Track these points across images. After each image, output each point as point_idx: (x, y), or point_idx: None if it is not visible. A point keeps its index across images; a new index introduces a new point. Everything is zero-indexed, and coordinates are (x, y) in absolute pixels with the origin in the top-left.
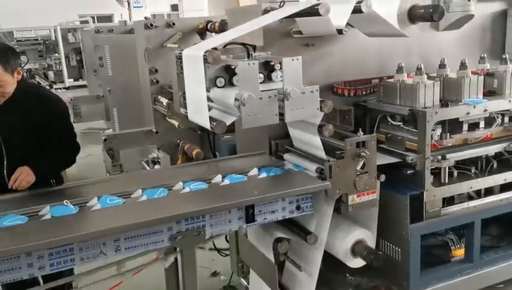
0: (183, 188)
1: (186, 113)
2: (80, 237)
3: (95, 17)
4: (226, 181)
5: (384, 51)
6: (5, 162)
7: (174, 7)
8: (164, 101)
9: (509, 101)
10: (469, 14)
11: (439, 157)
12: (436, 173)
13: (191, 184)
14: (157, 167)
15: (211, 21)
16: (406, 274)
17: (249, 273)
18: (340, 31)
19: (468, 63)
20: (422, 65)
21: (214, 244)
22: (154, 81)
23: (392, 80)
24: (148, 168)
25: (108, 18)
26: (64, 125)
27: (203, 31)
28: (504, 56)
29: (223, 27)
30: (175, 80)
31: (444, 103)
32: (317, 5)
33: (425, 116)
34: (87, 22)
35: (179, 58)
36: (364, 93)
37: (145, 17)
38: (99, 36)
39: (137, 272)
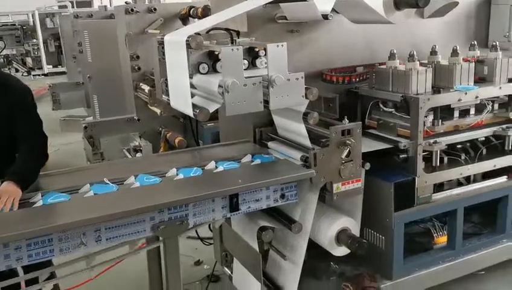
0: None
1: (169, 100)
2: (56, 228)
3: (74, 2)
4: (220, 168)
5: (369, 38)
6: None
7: None
8: (146, 88)
9: (500, 88)
10: (453, 1)
11: (431, 141)
12: (427, 159)
13: (183, 171)
14: (139, 155)
15: (194, 6)
16: (389, 262)
17: (233, 262)
18: (325, 17)
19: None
20: (414, 52)
21: (197, 233)
22: (136, 67)
23: (384, 67)
24: (129, 156)
25: (88, 3)
26: (27, 117)
27: (185, 17)
28: (494, 43)
29: (206, 13)
30: (157, 66)
31: (436, 90)
32: None
33: (418, 103)
34: (65, 6)
35: (161, 43)
36: (356, 80)
37: (125, 2)
38: (79, 21)
39: (118, 262)
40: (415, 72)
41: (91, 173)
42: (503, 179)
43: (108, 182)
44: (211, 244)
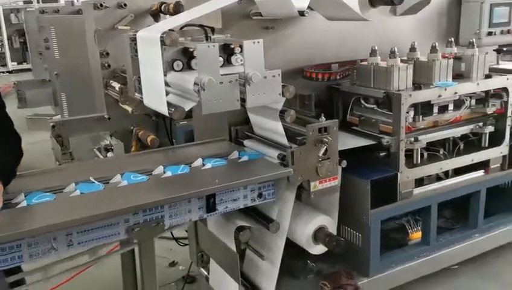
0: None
1: (142, 98)
2: (24, 233)
3: None
4: (208, 165)
5: (342, 35)
6: None
7: None
8: (117, 85)
9: (477, 84)
10: None
11: (412, 139)
12: (407, 156)
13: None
14: (110, 154)
15: (165, 2)
16: (366, 259)
17: (209, 262)
18: (302, 13)
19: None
20: (395, 48)
21: (172, 233)
22: (106, 65)
23: (365, 63)
24: (100, 155)
25: None
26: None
27: (156, 13)
28: (471, 40)
29: (178, 9)
30: (129, 64)
31: (417, 86)
32: None
33: (401, 99)
34: (31, 2)
35: (133, 40)
36: (338, 77)
37: None
38: (45, 17)
39: (89, 266)
40: (397, 69)
41: (68, 173)
42: (480, 173)
43: (94, 181)
44: (186, 245)
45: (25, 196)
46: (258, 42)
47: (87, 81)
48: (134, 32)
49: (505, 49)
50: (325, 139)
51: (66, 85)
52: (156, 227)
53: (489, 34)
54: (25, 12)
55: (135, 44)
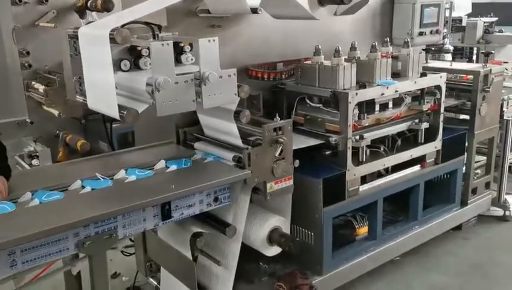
0: (83, 187)
1: (84, 101)
2: None
3: None
4: (132, 177)
5: (286, 34)
6: None
7: None
8: (40, 87)
9: (415, 82)
10: None
11: (358, 137)
12: (352, 153)
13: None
14: (35, 161)
15: None
16: (319, 257)
17: (159, 271)
18: (254, 10)
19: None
20: (339, 47)
21: None
22: (26, 65)
23: (309, 62)
24: (24, 163)
25: None
26: None
27: (82, 9)
28: (406, 40)
29: (107, 5)
30: (67, 63)
31: (362, 85)
32: None
33: (347, 98)
34: None
35: (73, 37)
36: (282, 76)
37: None
38: None
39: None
40: (342, 68)
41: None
42: (416, 168)
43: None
44: (131, 254)
45: None
46: (214, 40)
47: (4, 82)
48: (75, 29)
49: (433, 48)
50: (280, 139)
51: None
52: (109, 239)
53: (421, 34)
54: None
55: (75, 42)
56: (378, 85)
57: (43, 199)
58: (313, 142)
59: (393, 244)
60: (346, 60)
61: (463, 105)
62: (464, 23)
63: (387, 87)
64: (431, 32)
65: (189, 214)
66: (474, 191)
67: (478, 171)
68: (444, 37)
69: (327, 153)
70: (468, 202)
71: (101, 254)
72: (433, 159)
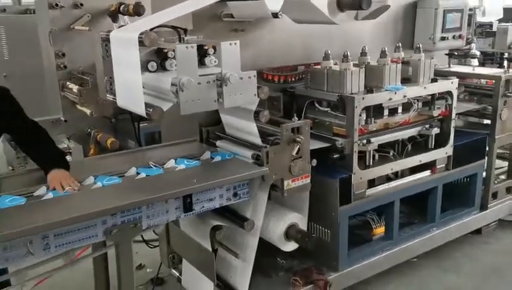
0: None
1: (114, 99)
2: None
3: None
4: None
5: (306, 38)
6: None
7: None
8: (74, 87)
9: (424, 87)
10: (385, 5)
11: (364, 141)
12: (360, 157)
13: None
14: (68, 158)
15: (124, 3)
16: (335, 254)
17: (181, 263)
18: (275, 15)
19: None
20: (348, 52)
21: (142, 236)
22: (62, 66)
23: (319, 67)
24: None
25: None
26: (19, 112)
27: (115, 14)
28: (418, 45)
29: (138, 10)
30: (100, 64)
31: (369, 89)
32: None
33: (354, 102)
34: None
35: (105, 40)
36: (293, 79)
37: None
38: None
39: (57, 269)
40: (349, 72)
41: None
42: (427, 173)
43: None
44: (156, 246)
45: None
46: (235, 44)
47: (40, 82)
48: (107, 33)
49: (456, 53)
50: (297, 139)
51: (16, 87)
52: (134, 228)
53: (443, 38)
54: None
55: (106, 45)
56: (386, 90)
57: (105, 182)
58: (319, 145)
59: (409, 245)
60: (355, 65)
61: (484, 110)
62: (494, 29)
63: (395, 93)
64: (453, 37)
65: (210, 207)
66: (494, 196)
67: (502, 176)
68: (470, 42)
69: (335, 156)
70: (488, 206)
71: (127, 242)
72: (444, 165)
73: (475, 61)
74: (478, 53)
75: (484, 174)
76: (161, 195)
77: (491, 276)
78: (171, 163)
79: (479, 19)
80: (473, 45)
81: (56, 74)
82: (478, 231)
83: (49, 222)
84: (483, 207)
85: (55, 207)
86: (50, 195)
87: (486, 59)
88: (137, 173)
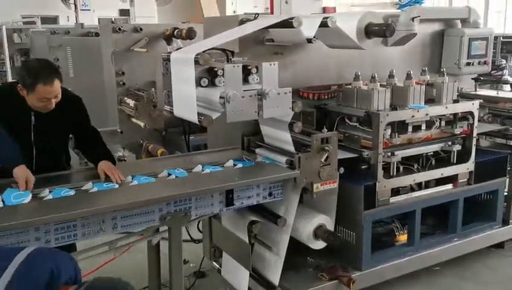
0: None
1: (171, 109)
2: (81, 214)
3: (39, 18)
4: (207, 170)
5: (342, 62)
6: (34, 160)
7: (123, 12)
8: (131, 102)
9: (446, 107)
10: (412, 32)
11: (389, 153)
12: (385, 168)
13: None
14: None
15: (177, 28)
16: (359, 255)
17: (221, 257)
18: (309, 40)
19: (412, 74)
20: (375, 74)
21: (189, 235)
22: (121, 83)
23: (349, 87)
24: None
25: (54, 19)
26: (88, 119)
27: (169, 37)
28: (442, 69)
29: (190, 34)
30: (159, 80)
31: (394, 107)
32: (292, 18)
33: (379, 118)
34: (33, 22)
35: (166, 60)
36: (326, 97)
37: (111, 21)
38: (59, 37)
39: (127, 249)
40: (376, 92)
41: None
42: (449, 186)
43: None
44: (199, 241)
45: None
46: (274, 64)
47: (101, 97)
48: (168, 54)
49: (482, 78)
50: (326, 148)
51: None
52: (184, 217)
53: (468, 64)
54: (32, 33)
55: (166, 63)
56: (410, 108)
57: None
58: (348, 155)
59: (430, 253)
60: (382, 86)
61: (506, 130)
62: None
63: (418, 111)
64: (479, 63)
65: (248, 204)
66: None
67: None
68: (502, 69)
69: (362, 166)
70: (510, 221)
71: (178, 228)
72: (465, 180)
73: (507, 87)
74: (511, 79)
75: (506, 190)
76: (208, 188)
77: (511, 286)
78: (198, 168)
79: None
80: (505, 71)
81: (116, 90)
82: (501, 246)
83: (119, 203)
84: (505, 222)
85: (114, 196)
86: (95, 189)
87: None
88: (169, 175)
